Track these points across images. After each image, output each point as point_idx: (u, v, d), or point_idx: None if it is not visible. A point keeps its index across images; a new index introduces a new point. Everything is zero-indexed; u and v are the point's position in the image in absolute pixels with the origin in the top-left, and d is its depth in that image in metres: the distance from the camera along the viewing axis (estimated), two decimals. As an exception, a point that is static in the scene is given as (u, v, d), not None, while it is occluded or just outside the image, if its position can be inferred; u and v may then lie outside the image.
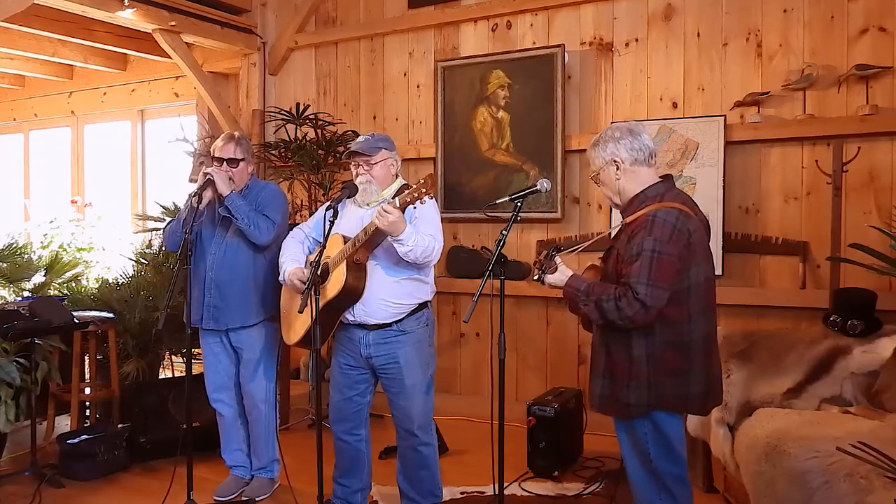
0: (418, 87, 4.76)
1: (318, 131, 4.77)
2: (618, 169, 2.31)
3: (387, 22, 4.83)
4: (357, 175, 2.86)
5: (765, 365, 3.06)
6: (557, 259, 2.29)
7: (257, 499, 3.29)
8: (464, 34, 4.60)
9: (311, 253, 2.98)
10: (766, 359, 3.08)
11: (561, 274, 2.29)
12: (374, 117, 4.95)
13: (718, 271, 3.73)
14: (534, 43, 4.34)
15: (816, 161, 3.58)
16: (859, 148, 3.47)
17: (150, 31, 4.74)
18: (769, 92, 3.71)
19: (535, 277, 2.31)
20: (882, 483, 2.03)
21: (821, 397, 2.93)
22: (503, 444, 2.49)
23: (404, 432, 2.88)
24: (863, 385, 2.91)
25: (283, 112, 4.82)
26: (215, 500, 3.27)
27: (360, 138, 2.90)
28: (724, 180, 3.76)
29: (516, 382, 4.41)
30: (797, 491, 2.26)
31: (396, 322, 2.78)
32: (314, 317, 2.60)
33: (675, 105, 3.97)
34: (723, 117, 3.78)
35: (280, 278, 2.95)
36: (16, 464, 3.73)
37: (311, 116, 4.80)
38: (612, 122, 4.00)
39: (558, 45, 4.20)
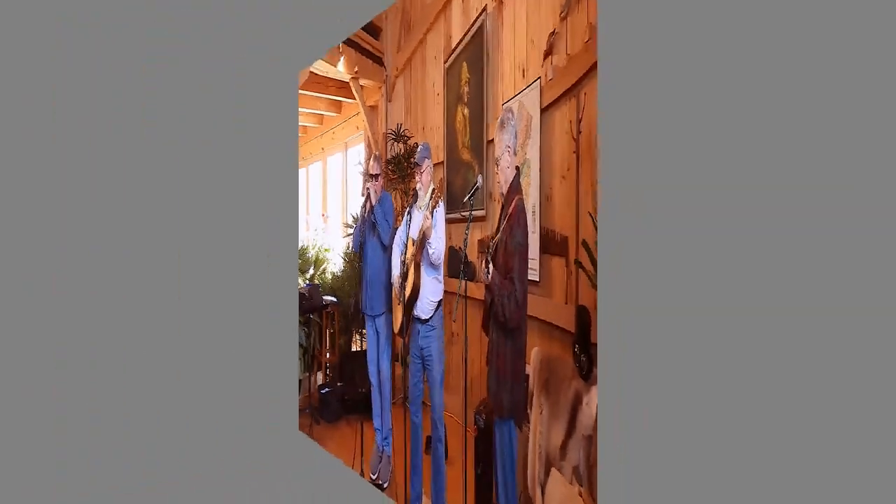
0: (437, 94, 4.90)
1: (404, 145, 5.48)
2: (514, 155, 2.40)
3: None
4: (416, 182, 3.29)
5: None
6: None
7: (384, 485, 3.71)
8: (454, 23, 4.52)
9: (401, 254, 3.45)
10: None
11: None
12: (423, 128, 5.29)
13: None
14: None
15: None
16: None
17: (347, 80, 6.13)
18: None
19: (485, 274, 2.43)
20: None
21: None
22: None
23: (434, 422, 3.14)
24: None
25: (390, 132, 5.70)
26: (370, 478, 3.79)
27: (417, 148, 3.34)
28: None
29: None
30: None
31: (431, 318, 3.16)
32: (404, 307, 3.12)
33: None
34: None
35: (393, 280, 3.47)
36: (301, 403, 4.82)
37: (403, 133, 5.54)
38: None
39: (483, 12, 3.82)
